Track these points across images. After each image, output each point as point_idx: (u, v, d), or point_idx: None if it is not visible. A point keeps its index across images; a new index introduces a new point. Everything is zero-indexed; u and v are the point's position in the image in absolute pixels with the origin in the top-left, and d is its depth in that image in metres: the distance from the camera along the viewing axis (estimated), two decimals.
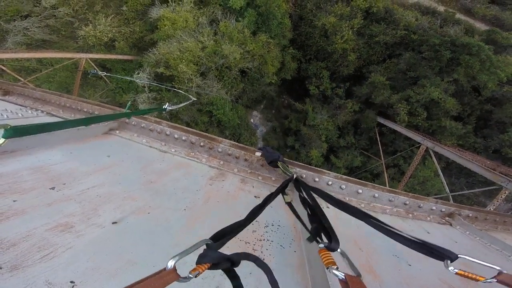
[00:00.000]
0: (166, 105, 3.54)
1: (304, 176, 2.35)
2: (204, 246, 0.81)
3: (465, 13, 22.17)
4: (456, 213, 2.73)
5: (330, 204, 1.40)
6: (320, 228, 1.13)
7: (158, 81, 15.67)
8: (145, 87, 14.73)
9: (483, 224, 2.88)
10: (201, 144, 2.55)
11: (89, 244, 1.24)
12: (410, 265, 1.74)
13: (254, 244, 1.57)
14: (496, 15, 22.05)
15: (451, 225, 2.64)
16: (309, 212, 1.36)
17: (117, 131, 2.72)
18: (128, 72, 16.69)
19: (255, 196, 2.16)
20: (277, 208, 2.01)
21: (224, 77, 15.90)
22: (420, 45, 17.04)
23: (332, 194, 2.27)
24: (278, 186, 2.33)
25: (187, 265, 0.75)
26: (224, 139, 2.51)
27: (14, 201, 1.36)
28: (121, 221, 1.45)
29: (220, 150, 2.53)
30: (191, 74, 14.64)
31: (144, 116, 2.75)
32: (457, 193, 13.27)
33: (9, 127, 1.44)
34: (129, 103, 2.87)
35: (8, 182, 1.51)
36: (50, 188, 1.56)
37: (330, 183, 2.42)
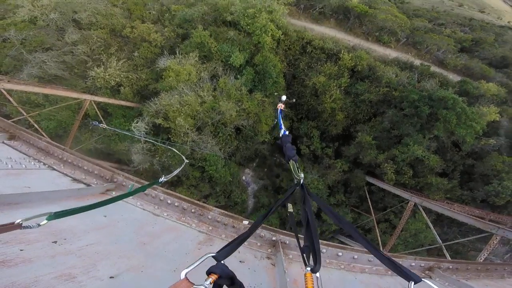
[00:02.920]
0: (162, 178, 3.77)
1: (287, 242, 2.52)
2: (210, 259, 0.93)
3: (438, 65, 24.24)
4: (436, 266, 2.85)
5: (327, 215, 1.46)
6: (310, 249, 1.21)
7: (155, 132, 15.95)
8: (141, 137, 14.98)
9: (465, 273, 2.97)
10: (192, 210, 2.73)
11: None
12: None
13: None
14: (466, 65, 24.21)
15: (430, 277, 2.75)
16: (305, 227, 1.40)
17: (113, 192, 2.91)
18: (127, 119, 17.16)
19: (240, 261, 2.29)
20: (260, 272, 2.15)
21: (219, 133, 16.34)
22: (401, 102, 18.26)
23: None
24: (265, 251, 2.46)
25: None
26: (214, 208, 2.73)
27: (21, 250, 1.52)
28: (117, 277, 1.60)
29: (210, 217, 2.71)
30: (188, 128, 14.99)
31: (140, 180, 2.98)
32: (450, 242, 13.13)
33: (52, 213, 1.69)
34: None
35: (14, 232, 1.67)
36: (52, 242, 1.73)
37: None
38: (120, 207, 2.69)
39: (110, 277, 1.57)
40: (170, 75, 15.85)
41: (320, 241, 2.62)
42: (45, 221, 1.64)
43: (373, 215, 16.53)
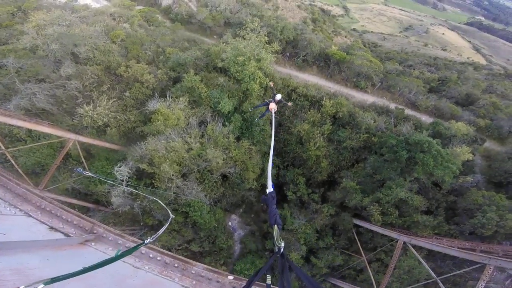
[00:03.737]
0: (148, 240, 3.74)
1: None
2: None
3: (411, 107, 25.83)
4: None
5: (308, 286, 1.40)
6: None
7: (138, 176, 15.52)
8: (123, 181, 14.38)
9: None
10: (175, 265, 2.66)
11: None
12: None
13: None
14: (435, 105, 25.79)
15: None
16: None
17: (93, 243, 2.82)
18: (110, 162, 16.67)
19: None
20: None
21: (205, 180, 16.19)
22: (380, 147, 19.20)
23: None
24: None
25: None
26: (197, 263, 2.66)
27: None
28: None
29: (193, 271, 2.64)
30: (173, 175, 14.76)
31: (122, 234, 2.91)
32: (446, 276, 12.76)
33: (50, 279, 1.65)
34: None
35: None
36: None
37: None
38: (99, 258, 2.54)
39: None
40: (158, 119, 15.90)
41: None
42: (41, 286, 1.58)
43: (363, 255, 16.28)
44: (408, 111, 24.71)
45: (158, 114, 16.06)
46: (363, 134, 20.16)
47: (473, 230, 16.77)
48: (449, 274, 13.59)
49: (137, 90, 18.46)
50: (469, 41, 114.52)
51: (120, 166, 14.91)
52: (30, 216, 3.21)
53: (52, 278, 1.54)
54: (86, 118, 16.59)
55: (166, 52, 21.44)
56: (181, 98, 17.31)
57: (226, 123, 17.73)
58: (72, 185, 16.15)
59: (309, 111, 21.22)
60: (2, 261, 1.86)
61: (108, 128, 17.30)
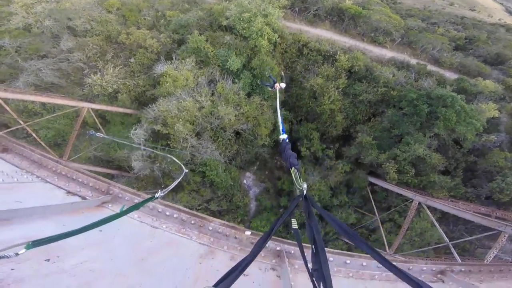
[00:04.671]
0: (158, 194, 3.67)
1: (292, 251, 2.39)
2: None
3: (434, 64, 24.16)
4: (448, 270, 2.73)
5: (337, 230, 1.36)
6: (320, 275, 1.10)
7: (154, 138, 15.84)
8: (140, 144, 14.86)
9: (479, 276, 2.84)
10: (192, 222, 2.61)
11: None
12: None
13: None
14: (461, 63, 24.18)
15: (443, 281, 2.62)
16: (313, 249, 1.29)
17: (110, 205, 2.79)
18: (126, 126, 17.04)
19: (244, 274, 2.13)
20: (265, 286, 2.02)
21: (218, 138, 16.29)
22: (399, 101, 18.22)
23: None
24: (268, 262, 2.33)
25: None
26: (214, 219, 2.60)
27: (12, 269, 1.41)
28: None
29: (210, 228, 2.59)
30: (187, 134, 14.93)
31: (137, 193, 2.86)
32: (457, 241, 12.95)
33: (30, 242, 1.58)
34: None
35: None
36: (45, 260, 1.61)
37: None
38: (116, 220, 2.54)
39: None
40: (167, 81, 15.76)
41: (326, 249, 2.51)
42: (23, 250, 1.53)
43: (377, 215, 16.32)
44: (431, 67, 23.03)
45: (166, 76, 15.93)
46: (381, 88, 19.13)
47: (490, 195, 16.34)
48: (461, 240, 13.69)
49: (141, 56, 18.15)
50: (501, 3, 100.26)
51: (135, 129, 15.27)
52: (47, 182, 3.22)
53: (33, 241, 1.48)
54: (95, 87, 16.68)
55: (167, 15, 20.58)
56: (187, 59, 16.87)
57: (236, 80, 17.39)
58: (93, 153, 16.81)
59: (323, 65, 20.12)
60: (16, 229, 1.84)
61: (119, 94, 17.39)
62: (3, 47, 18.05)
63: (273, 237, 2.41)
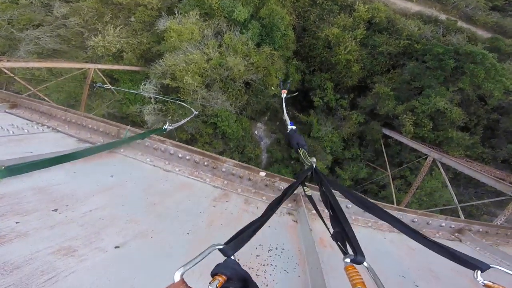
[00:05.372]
0: (166, 125, 3.52)
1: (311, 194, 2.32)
2: (215, 252, 0.75)
3: (466, 21, 22.12)
4: (466, 228, 2.66)
5: (353, 202, 1.28)
6: (344, 235, 1.03)
7: (164, 92, 15.86)
8: (151, 98, 14.94)
9: (494, 238, 2.79)
10: (205, 163, 2.53)
11: (92, 269, 1.23)
12: (417, 286, 1.68)
13: (258, 270, 1.52)
14: (497, 22, 22.04)
15: (460, 241, 2.57)
16: (331, 213, 1.23)
17: (122, 150, 2.72)
18: (135, 83, 16.97)
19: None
20: (281, 230, 1.97)
21: (228, 89, 16.04)
22: (423, 55, 17.02)
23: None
24: (284, 206, 2.30)
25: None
26: (227, 159, 2.49)
27: (16, 222, 1.35)
28: (123, 246, 1.43)
29: (224, 169, 2.51)
30: (196, 86, 14.82)
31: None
32: (466, 204, 12.96)
33: (3, 167, 1.46)
34: (127, 131, 2.89)
35: (11, 203, 1.52)
36: (53, 210, 1.55)
37: None
38: (128, 165, 2.52)
39: (115, 247, 1.40)
40: (172, 36, 15.22)
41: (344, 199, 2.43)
42: None
43: (388, 170, 16.22)
44: (462, 24, 21.11)
45: (170, 31, 15.38)
46: (403, 41, 17.84)
47: (508, 158, 15.96)
48: (470, 203, 13.62)
49: (142, 14, 17.30)
50: None
51: (145, 85, 15.31)
52: (58, 131, 3.19)
53: (6, 167, 1.38)
54: (99, 48, 16.42)
55: None
56: (191, 13, 15.96)
57: (244, 31, 16.50)
58: (106, 110, 17.10)
59: (339, 15, 18.55)
60: (25, 180, 1.78)
61: (124, 53, 17.13)
62: None
63: (289, 179, 2.33)
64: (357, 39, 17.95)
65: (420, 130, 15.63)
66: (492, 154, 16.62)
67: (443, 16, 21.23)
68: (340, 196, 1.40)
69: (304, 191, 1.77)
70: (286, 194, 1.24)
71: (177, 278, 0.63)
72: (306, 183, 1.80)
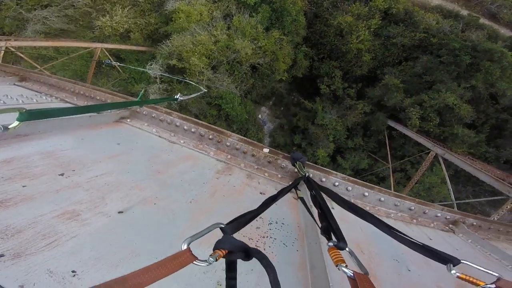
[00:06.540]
0: (178, 95, 3.57)
1: (311, 175, 2.33)
2: (217, 230, 0.82)
3: (489, 18, 21.42)
4: (461, 221, 2.69)
5: (339, 205, 1.42)
6: (329, 228, 1.17)
7: (170, 73, 15.82)
8: (157, 78, 14.89)
9: (486, 233, 2.83)
10: (210, 137, 2.55)
11: (94, 233, 1.23)
12: (409, 270, 1.73)
13: (257, 241, 1.57)
14: None
15: (454, 232, 2.60)
16: (319, 211, 1.39)
17: (128, 120, 2.76)
18: (141, 63, 16.89)
19: (261, 193, 2.15)
20: (282, 205, 2.00)
21: (234, 71, 15.92)
22: (439, 49, 16.60)
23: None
24: (286, 184, 2.35)
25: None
26: (232, 133, 2.51)
27: (23, 186, 1.37)
28: (127, 211, 1.45)
29: (228, 144, 2.53)
30: (203, 67, 14.75)
31: (155, 106, 2.79)
32: (462, 201, 13.05)
33: (24, 110, 1.46)
34: (142, 92, 2.93)
35: (19, 166, 1.54)
36: (59, 174, 1.58)
37: (337, 184, 2.40)
38: (134, 134, 2.57)
39: (119, 212, 1.43)
40: (180, 17, 15.08)
41: (347, 176, 2.48)
42: (16, 123, 1.42)
43: (390, 162, 16.19)
44: (484, 21, 20.39)
45: (178, 12, 15.26)
46: (420, 33, 17.38)
47: (511, 159, 15.82)
48: (466, 200, 13.77)
49: None
50: None
51: (151, 65, 15.28)
52: (66, 102, 3.23)
53: (27, 110, 1.40)
54: (106, 28, 16.42)
55: None
56: None
57: (253, 14, 16.17)
58: (112, 89, 17.10)
59: (354, 3, 17.97)
60: (34, 145, 1.81)
61: (131, 33, 17.05)
62: (3, 3, 17.37)
63: (308, 163, 2.35)
64: (371, 29, 17.47)
65: (426, 124, 15.49)
66: (496, 154, 16.51)
67: (465, 12, 20.62)
68: (328, 199, 1.50)
69: (297, 194, 1.92)
70: (280, 194, 1.37)
71: (184, 247, 0.70)
72: (298, 188, 2.01)
